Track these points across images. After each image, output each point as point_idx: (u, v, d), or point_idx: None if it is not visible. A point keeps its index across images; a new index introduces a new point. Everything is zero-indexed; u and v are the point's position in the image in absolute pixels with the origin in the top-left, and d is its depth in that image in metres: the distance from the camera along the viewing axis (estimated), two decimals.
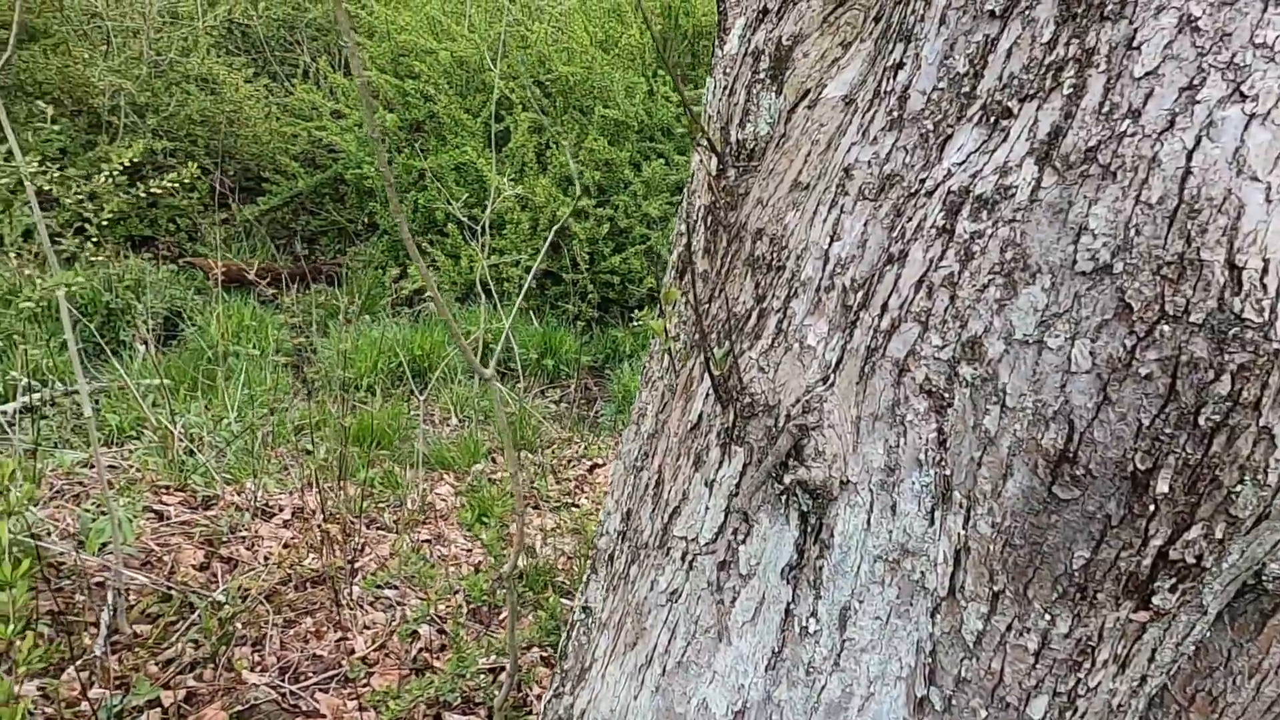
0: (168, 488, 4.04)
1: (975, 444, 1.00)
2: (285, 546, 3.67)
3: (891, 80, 1.12)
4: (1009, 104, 0.99)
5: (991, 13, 1.03)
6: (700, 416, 1.33)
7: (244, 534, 3.77)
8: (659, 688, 1.36)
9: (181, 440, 4.23)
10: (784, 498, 1.18)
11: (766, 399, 1.18)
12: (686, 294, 1.61)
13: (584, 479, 4.55)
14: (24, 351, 3.47)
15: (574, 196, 5.78)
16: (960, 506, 1.03)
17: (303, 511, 3.92)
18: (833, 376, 1.13)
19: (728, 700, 1.27)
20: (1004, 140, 0.98)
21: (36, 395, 4.50)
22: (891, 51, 1.14)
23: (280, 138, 6.35)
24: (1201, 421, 0.88)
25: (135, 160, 5.53)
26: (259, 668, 3.07)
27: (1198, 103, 0.86)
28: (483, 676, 3.05)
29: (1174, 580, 0.98)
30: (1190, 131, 0.86)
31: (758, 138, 1.47)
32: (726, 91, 1.57)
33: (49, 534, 3.46)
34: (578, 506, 4.30)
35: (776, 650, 1.22)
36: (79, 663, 2.81)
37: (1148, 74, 0.88)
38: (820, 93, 1.29)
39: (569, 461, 4.70)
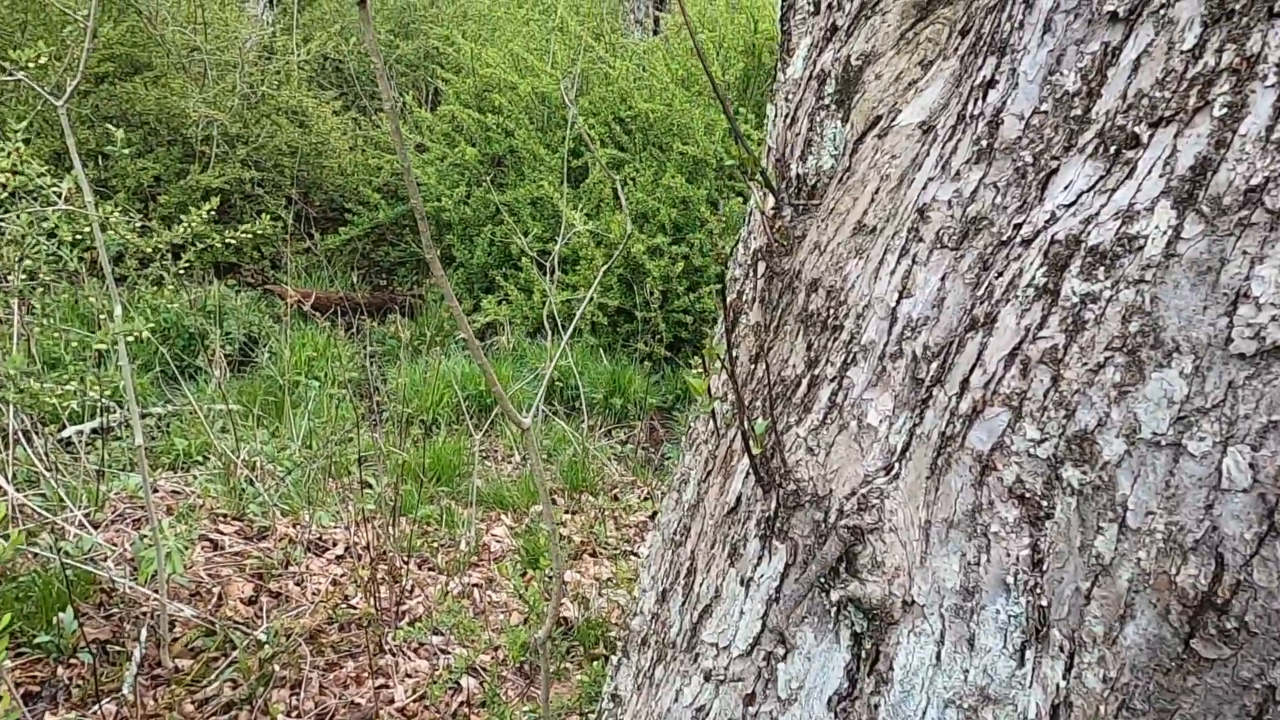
0: (225, 516, 3.95)
1: (1083, 571, 0.75)
2: (334, 584, 3.53)
3: (980, 102, 0.89)
4: (1135, 129, 0.74)
5: (1113, 15, 0.79)
6: (739, 499, 1.10)
7: (295, 569, 3.64)
8: None
9: (243, 469, 4.15)
10: (834, 611, 0.94)
11: (815, 487, 0.95)
12: (735, 344, 1.38)
13: (645, 525, 4.32)
14: (83, 375, 3.43)
15: (649, 233, 5.60)
16: (1061, 650, 0.78)
17: (354, 548, 3.78)
18: (897, 466, 0.89)
19: None
20: (1128, 176, 0.74)
21: (111, 417, 4.50)
22: (980, 67, 0.91)
23: (364, 169, 6.34)
24: None
25: (223, 186, 5.56)
26: (294, 713, 2.91)
27: None
28: None
29: None
30: None
31: (820, 172, 1.24)
32: (788, 120, 1.34)
33: (105, 558, 3.38)
34: (637, 555, 4.07)
35: None
36: (107, 696, 2.69)
37: None
38: (893, 120, 1.06)
39: (631, 507, 4.47)
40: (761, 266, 1.34)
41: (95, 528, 3.54)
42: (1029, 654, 0.81)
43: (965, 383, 0.82)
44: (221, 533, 3.82)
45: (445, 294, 1.62)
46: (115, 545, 3.53)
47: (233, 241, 3.61)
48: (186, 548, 3.51)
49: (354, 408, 4.73)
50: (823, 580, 0.88)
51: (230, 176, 5.67)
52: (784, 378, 1.08)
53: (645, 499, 4.52)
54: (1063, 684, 0.78)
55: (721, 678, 1.08)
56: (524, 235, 5.73)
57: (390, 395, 5.06)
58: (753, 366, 1.18)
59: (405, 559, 3.64)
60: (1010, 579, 0.80)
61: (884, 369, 0.92)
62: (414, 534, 3.80)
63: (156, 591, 2.96)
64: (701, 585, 1.15)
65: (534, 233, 5.52)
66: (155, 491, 4.03)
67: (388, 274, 6.49)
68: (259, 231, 2.88)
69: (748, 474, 1.10)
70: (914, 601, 0.85)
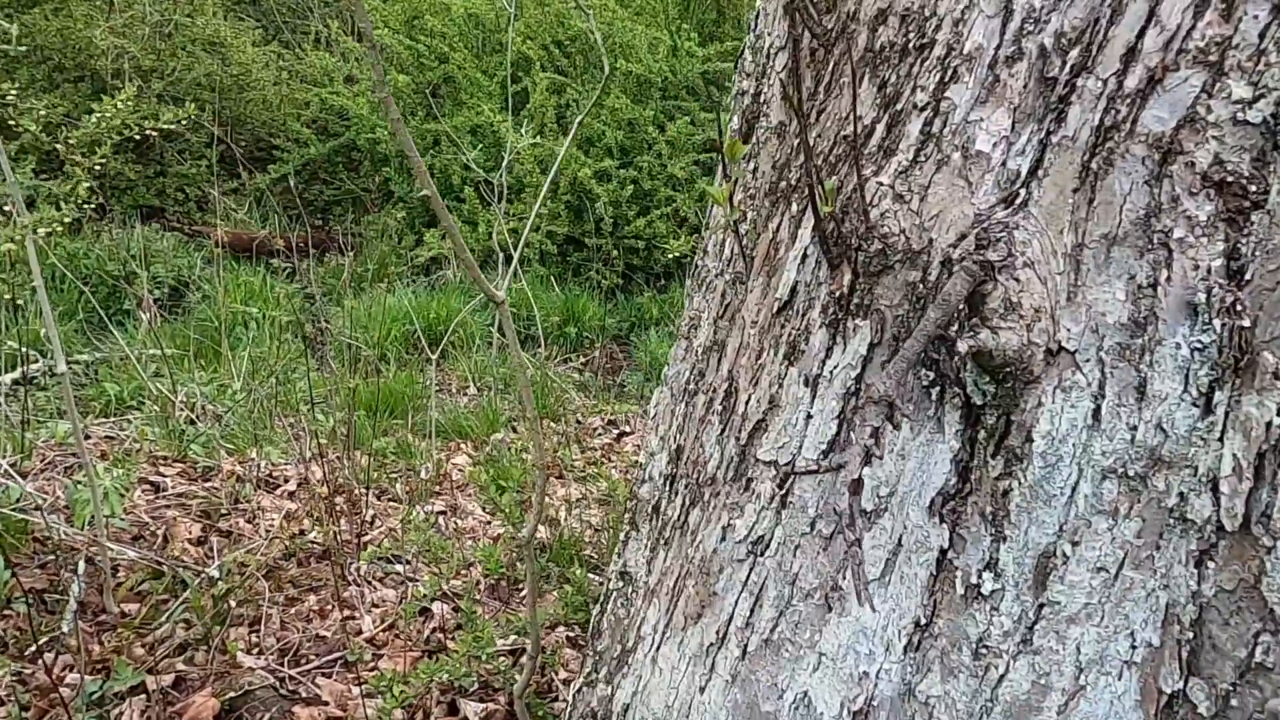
0: (166, 458, 3.65)
1: None
2: (288, 519, 3.27)
3: None
4: None
5: None
6: (794, 289, 0.90)
7: (245, 506, 3.37)
8: (736, 676, 0.93)
9: (182, 409, 3.84)
10: (936, 391, 0.75)
11: (908, 241, 0.75)
12: (753, 154, 1.17)
13: (610, 447, 4.13)
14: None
15: (596, 157, 5.33)
16: (1275, 379, 0.59)
17: (308, 482, 3.52)
18: (1023, 193, 0.69)
19: (842, 695, 0.84)
20: None
21: (34, 366, 4.14)
22: None
23: (291, 104, 5.93)
24: None
25: (137, 121, 5.14)
26: (255, 650, 2.67)
27: None
28: (502, 659, 2.64)
29: None
30: None
31: None
32: None
33: (37, 507, 3.06)
34: (605, 477, 3.88)
35: (923, 622, 0.79)
36: (47, 643, 2.42)
37: None
38: None
39: (594, 430, 4.27)
40: (781, 58, 1.13)
41: (23, 477, 3.22)
42: (1219, 396, 0.62)
43: (1131, 53, 0.62)
44: (163, 475, 3.52)
45: (435, 204, 1.37)
46: (46, 494, 3.22)
47: (141, 137, 3.24)
48: (125, 490, 3.21)
49: (304, 341, 4.44)
50: (944, 336, 0.68)
51: (146, 112, 5.24)
52: (845, 136, 0.87)
53: (609, 422, 4.32)
54: (1276, 421, 0.59)
55: (784, 499, 0.88)
56: (465, 165, 5.42)
57: (336, 331, 4.76)
58: (796, 143, 0.97)
59: (364, 490, 3.39)
60: (1199, 298, 0.61)
61: (997, 79, 0.71)
62: (370, 466, 3.55)
63: (95, 535, 2.68)
64: (749, 403, 0.95)
65: (474, 159, 5.20)
66: (88, 438, 3.70)
67: (322, 213, 6.12)
68: (177, 125, 2.56)
69: (803, 258, 0.89)
70: (1061, 349, 0.66)
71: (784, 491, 0.88)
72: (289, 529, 3.22)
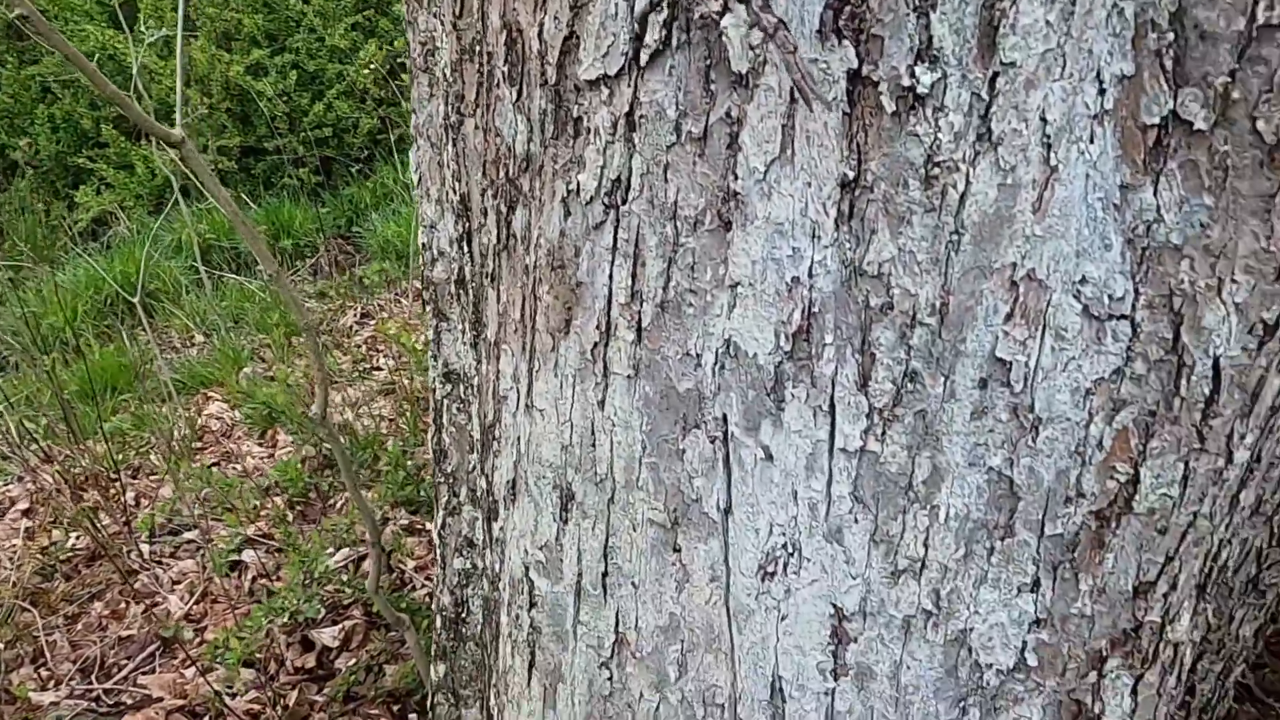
0: None
1: None
2: (29, 536, 2.72)
3: None
4: None
5: None
6: None
7: None
8: (639, 366, 0.73)
9: None
10: None
11: None
12: None
13: (373, 340, 3.76)
14: None
15: (241, 51, 4.65)
16: None
17: (43, 492, 2.93)
18: None
19: (774, 321, 0.66)
20: None
21: None
22: None
23: None
24: None
25: None
26: (51, 683, 2.22)
27: None
28: (341, 575, 2.35)
29: None
30: None
31: None
32: None
33: None
34: (379, 368, 3.54)
35: (851, 176, 0.61)
36: None
37: None
38: None
39: (350, 329, 3.87)
40: None
41: None
42: None
43: None
44: None
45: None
46: None
47: None
48: None
49: None
50: None
51: None
52: None
53: (362, 317, 3.93)
54: None
55: (630, 118, 0.66)
56: (92, 104, 4.56)
57: (7, 331, 3.95)
58: None
59: (112, 471, 2.87)
60: None
61: None
62: (111, 449, 3.00)
63: None
64: (542, 33, 0.70)
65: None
66: None
67: None
68: None
69: None
70: None
71: (630, 106, 0.66)
72: (34, 545, 2.69)
